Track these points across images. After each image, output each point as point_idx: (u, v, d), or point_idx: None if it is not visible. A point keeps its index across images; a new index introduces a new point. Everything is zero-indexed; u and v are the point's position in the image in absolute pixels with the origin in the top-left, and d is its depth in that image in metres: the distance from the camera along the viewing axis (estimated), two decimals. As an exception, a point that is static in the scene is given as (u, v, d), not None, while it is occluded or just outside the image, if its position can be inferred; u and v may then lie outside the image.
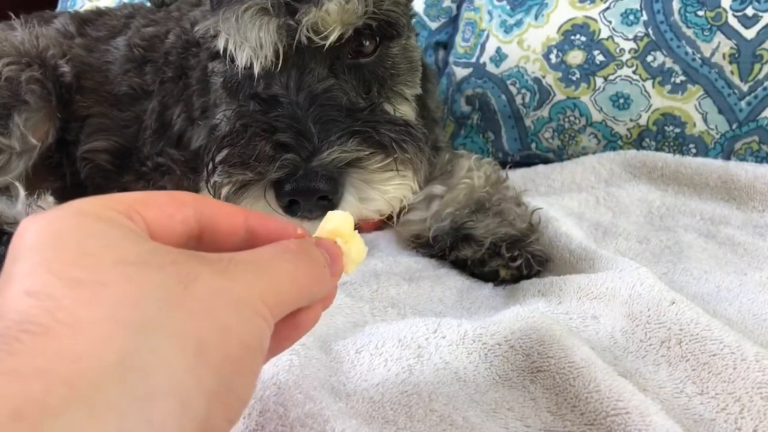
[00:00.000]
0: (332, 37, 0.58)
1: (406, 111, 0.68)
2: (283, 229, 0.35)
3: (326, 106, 0.58)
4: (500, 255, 0.71)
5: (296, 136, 0.55)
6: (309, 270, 0.33)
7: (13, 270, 0.27)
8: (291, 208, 0.55)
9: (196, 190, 0.62)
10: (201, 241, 0.32)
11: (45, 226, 0.28)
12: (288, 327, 0.34)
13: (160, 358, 0.25)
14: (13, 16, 1.00)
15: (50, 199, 0.78)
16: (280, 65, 0.60)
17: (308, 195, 0.54)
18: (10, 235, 0.71)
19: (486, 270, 0.71)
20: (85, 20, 1.02)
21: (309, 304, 0.34)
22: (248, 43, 0.58)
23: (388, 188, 0.57)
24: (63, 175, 0.93)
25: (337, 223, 0.38)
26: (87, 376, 0.23)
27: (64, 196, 0.92)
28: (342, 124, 0.57)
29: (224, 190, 0.57)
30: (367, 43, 0.64)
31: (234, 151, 0.58)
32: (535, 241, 0.74)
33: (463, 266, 0.74)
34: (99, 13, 1.05)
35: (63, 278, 0.26)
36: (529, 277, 0.70)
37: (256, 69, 0.60)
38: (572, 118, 1.10)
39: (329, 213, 0.38)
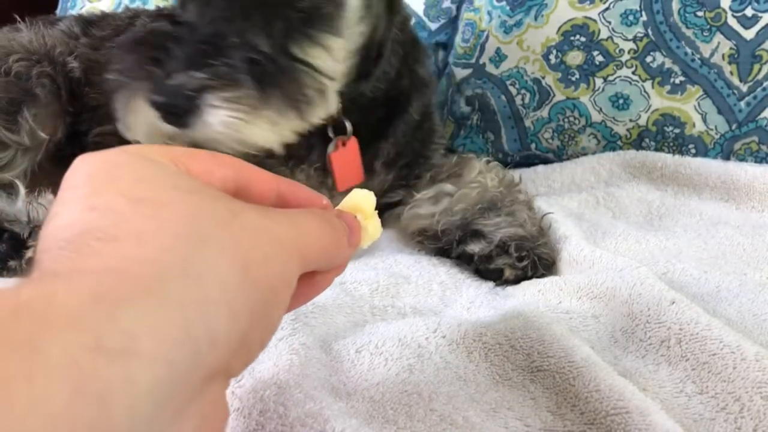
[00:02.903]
0: None
1: (319, 58, 0.65)
2: (310, 199, 0.38)
3: (209, 36, 0.60)
4: (508, 253, 0.71)
5: (171, 56, 0.59)
6: (331, 234, 0.35)
7: (70, 196, 0.29)
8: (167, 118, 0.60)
9: None
10: None
11: (101, 160, 0.31)
12: (305, 285, 0.36)
13: (214, 269, 0.27)
14: (18, 19, 1.01)
15: (50, 196, 0.78)
16: None
17: (164, 110, 0.59)
18: (10, 232, 0.71)
19: (492, 267, 0.71)
20: (90, 22, 1.03)
21: (326, 267, 0.36)
22: None
23: (225, 120, 0.59)
24: None
25: (359, 199, 0.41)
26: (154, 275, 0.26)
27: None
28: (222, 54, 0.59)
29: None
30: None
31: (121, 60, 0.62)
32: (543, 244, 0.74)
33: (468, 261, 0.74)
34: (103, 16, 1.07)
35: (125, 196, 0.28)
36: (531, 278, 0.70)
37: None
38: (572, 119, 1.10)
39: (354, 190, 0.41)
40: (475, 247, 0.73)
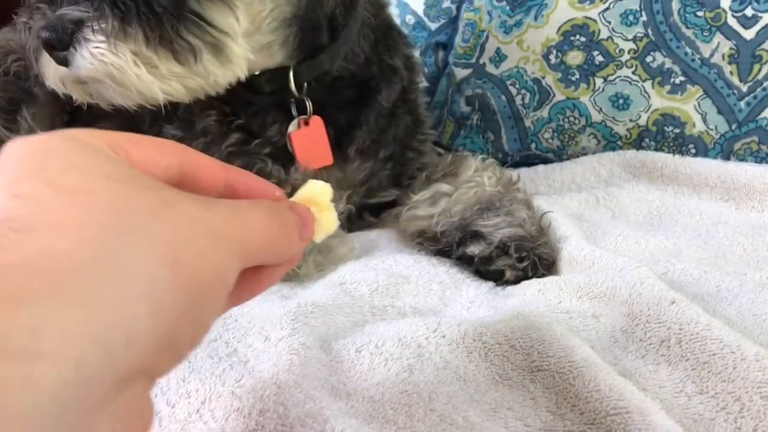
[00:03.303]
0: None
1: (219, 13, 0.65)
2: (261, 190, 0.36)
3: None
4: (508, 254, 0.71)
5: None
6: (279, 228, 0.33)
7: None
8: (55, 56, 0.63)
9: None
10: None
11: (33, 144, 0.29)
12: (251, 280, 0.34)
13: (138, 265, 0.26)
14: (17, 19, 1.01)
15: None
16: None
17: (46, 45, 0.62)
18: None
19: (492, 269, 0.71)
20: None
21: (274, 261, 0.34)
22: None
23: (94, 53, 0.61)
24: None
25: (314, 191, 0.39)
26: (67, 269, 0.24)
27: None
28: None
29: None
30: None
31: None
32: (543, 244, 0.73)
33: (468, 263, 0.73)
34: None
35: (51, 184, 0.27)
36: (532, 278, 0.70)
37: None
38: (572, 119, 1.10)
39: (310, 181, 0.39)
40: (475, 249, 0.73)
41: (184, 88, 0.66)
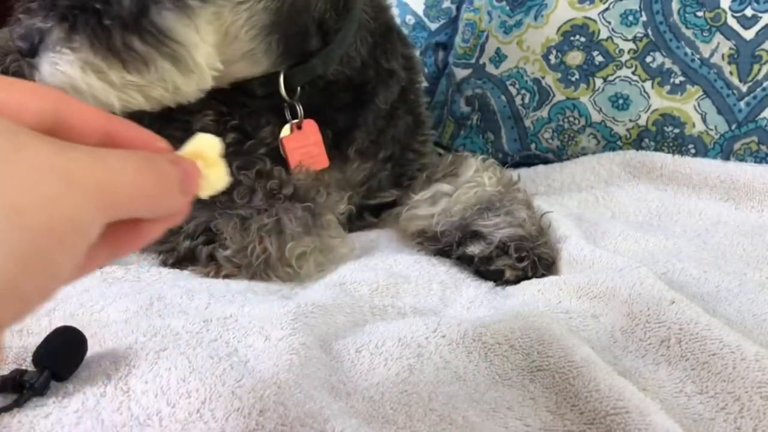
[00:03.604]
0: None
1: (176, 23, 0.65)
2: (144, 141, 0.34)
3: None
4: (508, 254, 0.71)
5: (39, 4, 0.65)
6: (156, 179, 0.31)
7: None
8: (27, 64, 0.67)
9: None
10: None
11: None
12: (128, 233, 0.33)
13: None
14: None
15: None
16: None
17: (19, 53, 0.66)
18: None
19: (492, 268, 0.71)
20: None
21: (152, 215, 0.33)
22: None
23: (53, 60, 0.64)
24: None
25: (201, 145, 0.37)
26: None
27: None
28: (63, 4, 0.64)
29: None
30: None
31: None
32: (543, 244, 0.73)
33: (468, 263, 0.73)
34: None
35: None
36: (532, 278, 0.70)
37: None
38: (572, 119, 1.10)
39: (198, 134, 0.38)
40: (474, 249, 0.73)
41: (144, 98, 0.67)
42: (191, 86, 0.69)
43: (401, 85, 0.87)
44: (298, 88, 0.78)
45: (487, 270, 0.72)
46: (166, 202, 0.33)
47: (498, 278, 0.71)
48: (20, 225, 0.25)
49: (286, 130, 0.79)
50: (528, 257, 0.70)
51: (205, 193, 0.37)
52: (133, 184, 0.30)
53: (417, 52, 0.97)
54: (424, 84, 1.26)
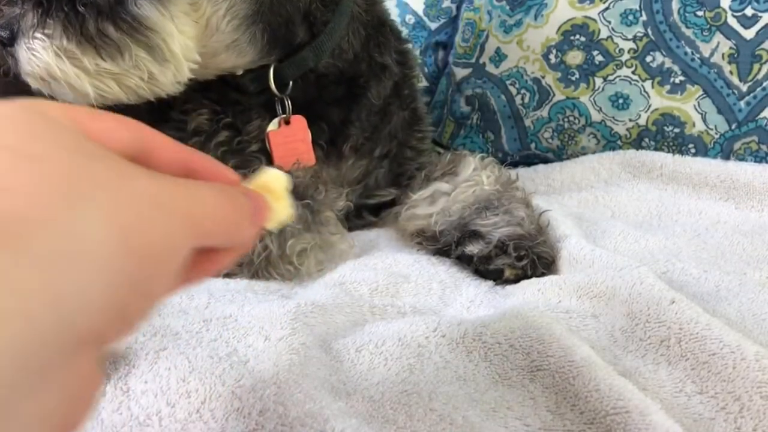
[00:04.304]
0: None
1: (152, 12, 0.66)
2: (217, 173, 0.36)
3: None
4: (507, 253, 0.70)
5: None
6: (231, 211, 0.34)
7: None
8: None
9: None
10: None
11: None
12: (203, 261, 0.34)
13: (89, 230, 0.26)
14: None
15: None
16: None
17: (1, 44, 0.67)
18: None
19: (491, 267, 0.71)
20: None
21: (225, 244, 0.35)
22: None
23: (28, 47, 0.66)
24: None
25: (269, 179, 0.39)
26: (19, 229, 0.24)
27: None
28: None
29: None
30: None
31: None
32: (542, 243, 0.73)
33: (468, 262, 0.73)
34: None
35: (11, 151, 0.27)
36: (531, 277, 0.70)
37: None
38: (572, 118, 1.10)
39: (265, 168, 0.40)
40: (473, 248, 0.73)
41: (119, 86, 0.67)
42: (167, 76, 0.69)
43: (394, 80, 0.87)
44: (290, 83, 0.78)
45: (486, 269, 0.72)
46: (240, 232, 0.35)
47: (497, 277, 0.71)
48: (129, 248, 0.27)
49: (273, 125, 0.79)
50: (527, 256, 0.70)
51: (272, 225, 0.39)
52: (215, 215, 0.32)
53: (410, 46, 0.95)
54: (424, 83, 1.27)
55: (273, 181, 0.40)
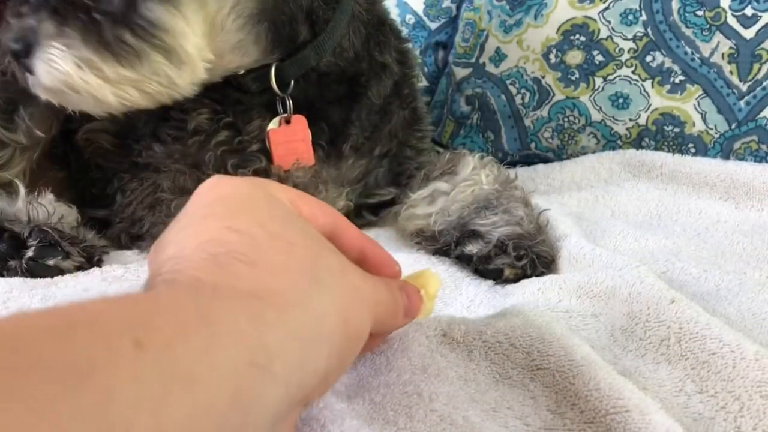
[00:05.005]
0: None
1: (165, 15, 0.66)
2: (385, 262, 0.43)
3: None
4: (506, 253, 0.70)
5: (30, 6, 0.64)
6: (393, 305, 0.40)
7: (202, 212, 0.33)
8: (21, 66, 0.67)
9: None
10: None
11: (233, 187, 0.34)
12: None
13: (326, 313, 0.31)
14: None
15: (50, 196, 0.78)
16: None
17: (13, 55, 0.66)
18: (10, 231, 0.71)
19: (491, 267, 0.71)
20: None
21: (381, 331, 0.41)
22: None
23: (48, 58, 0.64)
24: (68, 164, 0.93)
25: (426, 278, 0.46)
26: (285, 306, 0.29)
27: (69, 185, 0.91)
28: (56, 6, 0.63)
29: None
30: None
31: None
32: (542, 242, 0.73)
33: (467, 262, 0.73)
34: None
35: (262, 227, 0.32)
36: (531, 276, 0.70)
37: None
38: (571, 118, 1.10)
39: (425, 269, 0.47)
40: (473, 248, 0.73)
41: (140, 93, 0.66)
42: (185, 78, 0.68)
43: (394, 79, 0.87)
44: (292, 82, 0.78)
45: (486, 269, 0.71)
46: (395, 323, 0.42)
47: (497, 277, 0.71)
48: (345, 330, 0.32)
49: (274, 123, 0.78)
50: (527, 255, 0.70)
51: (419, 318, 0.46)
52: (386, 307, 0.38)
53: (410, 45, 0.94)
54: (424, 83, 1.27)
55: (430, 282, 0.46)
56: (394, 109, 0.88)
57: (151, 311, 0.25)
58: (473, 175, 0.83)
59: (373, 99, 0.84)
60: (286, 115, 0.78)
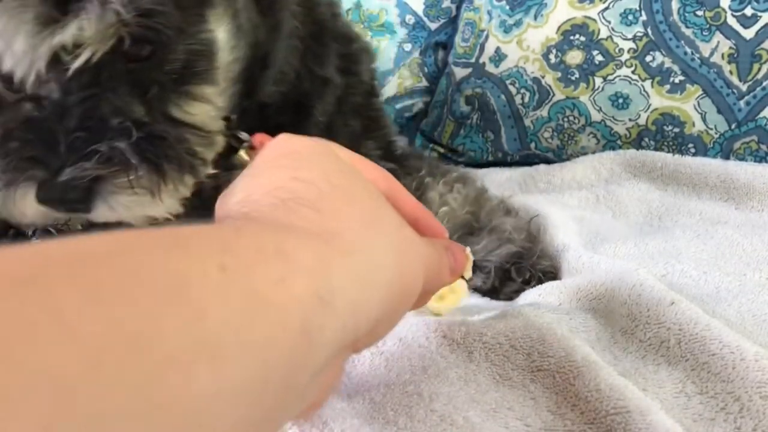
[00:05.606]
0: (82, 59, 0.54)
1: (199, 112, 0.61)
2: (435, 228, 0.45)
3: (83, 119, 0.55)
4: (511, 279, 0.69)
5: (52, 151, 0.55)
6: (439, 264, 0.41)
7: (275, 163, 0.35)
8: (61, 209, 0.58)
9: None
10: None
11: (305, 143, 0.37)
12: None
13: (383, 262, 0.33)
14: None
15: None
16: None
17: (56, 205, 0.57)
18: (16, 228, 0.70)
19: (502, 298, 0.69)
20: None
21: (427, 290, 0.41)
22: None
23: (127, 204, 0.57)
24: None
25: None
26: (348, 250, 0.31)
27: None
28: (103, 136, 0.55)
29: None
30: (141, 47, 0.57)
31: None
32: (541, 254, 0.71)
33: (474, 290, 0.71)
34: None
35: (327, 179, 0.34)
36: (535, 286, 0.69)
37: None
38: (571, 118, 1.10)
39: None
40: (475, 282, 0.70)
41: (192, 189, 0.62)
42: (210, 156, 0.64)
43: (336, 94, 0.79)
44: (233, 117, 0.69)
45: (498, 299, 0.69)
46: (441, 280, 0.43)
47: (509, 299, 0.69)
48: (401, 279, 0.34)
49: (242, 156, 0.69)
50: (533, 276, 0.69)
51: (443, 311, 0.57)
52: (436, 263, 0.40)
53: (361, 44, 0.85)
54: (424, 83, 1.27)
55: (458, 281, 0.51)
56: (339, 124, 0.80)
57: (233, 239, 0.27)
58: (442, 204, 0.78)
59: (318, 117, 0.77)
60: (247, 143, 0.69)
